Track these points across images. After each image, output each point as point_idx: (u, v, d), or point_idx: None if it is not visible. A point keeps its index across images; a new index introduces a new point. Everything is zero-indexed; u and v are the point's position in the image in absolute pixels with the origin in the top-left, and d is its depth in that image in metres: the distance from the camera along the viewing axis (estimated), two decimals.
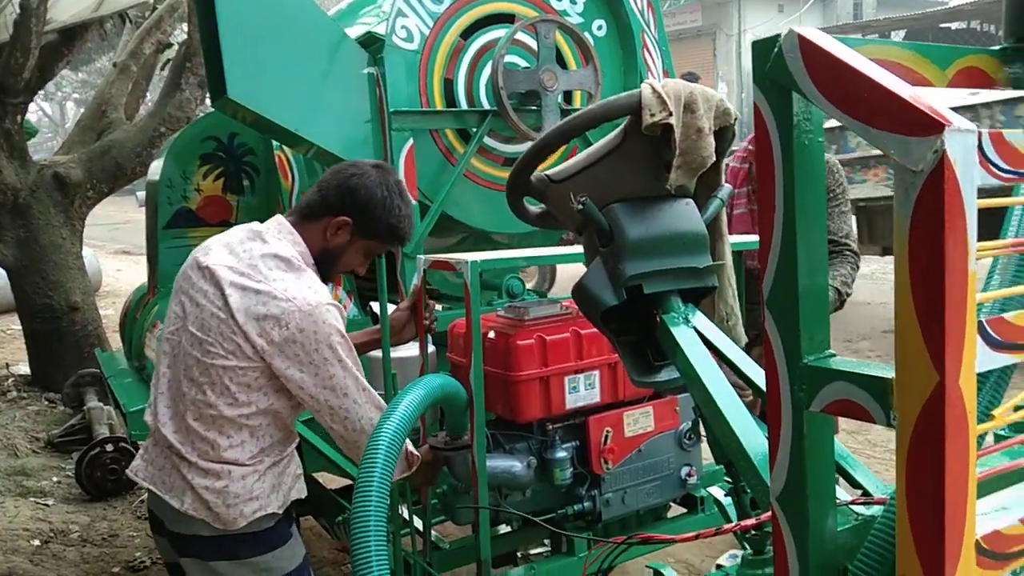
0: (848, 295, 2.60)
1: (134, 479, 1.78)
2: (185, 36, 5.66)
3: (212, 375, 1.61)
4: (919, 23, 17.10)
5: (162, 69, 6.18)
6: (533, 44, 2.65)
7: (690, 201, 1.39)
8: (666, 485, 2.26)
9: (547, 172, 1.41)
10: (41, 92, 5.11)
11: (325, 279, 1.77)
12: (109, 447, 4.07)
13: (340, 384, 1.63)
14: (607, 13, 2.85)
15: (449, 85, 2.62)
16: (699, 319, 1.33)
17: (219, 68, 2.28)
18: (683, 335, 1.28)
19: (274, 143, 2.89)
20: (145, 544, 3.59)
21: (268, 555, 1.70)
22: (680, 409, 2.27)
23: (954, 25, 17.12)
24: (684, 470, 2.29)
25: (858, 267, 2.63)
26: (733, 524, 1.08)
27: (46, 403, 5.47)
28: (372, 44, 2.50)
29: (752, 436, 1.14)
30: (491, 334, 2.10)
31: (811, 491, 0.98)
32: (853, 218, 2.73)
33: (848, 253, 2.62)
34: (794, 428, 0.97)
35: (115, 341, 6.76)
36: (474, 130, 2.64)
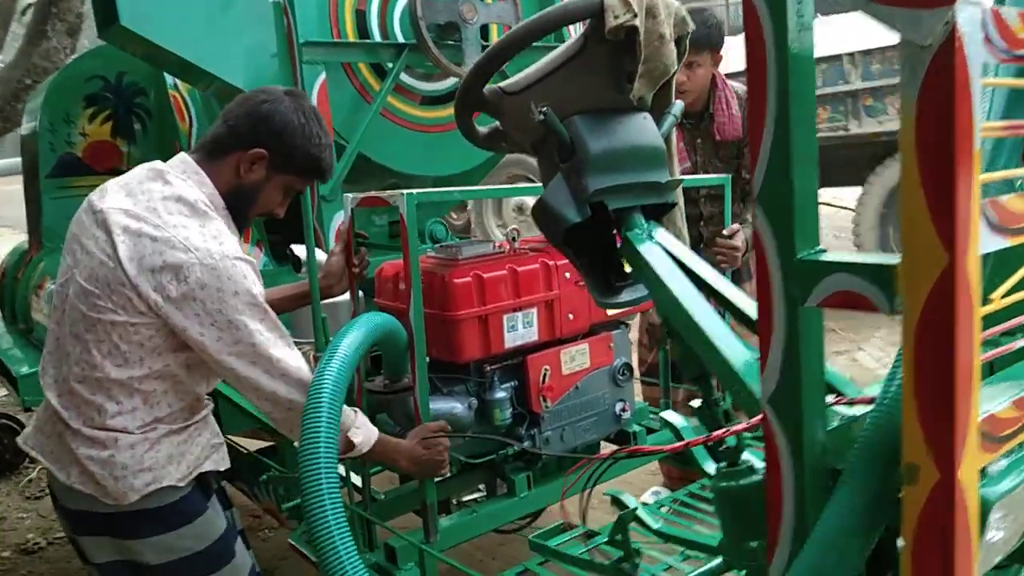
0: None
1: (23, 448, 1.60)
2: None
3: (99, 331, 1.44)
4: None
5: (23, 14, 5.62)
6: None
7: (648, 115, 1.34)
8: (602, 421, 2.26)
9: (500, 84, 1.33)
10: None
11: (242, 224, 1.60)
12: None
13: (248, 350, 1.46)
14: None
15: (362, 16, 2.48)
16: (662, 235, 1.29)
17: None
18: (649, 251, 1.24)
19: (168, 82, 2.66)
20: (37, 525, 3.33)
21: (170, 534, 1.52)
22: (614, 346, 2.25)
23: None
24: (618, 406, 2.29)
25: None
26: (721, 431, 1.06)
27: None
28: None
29: (729, 343, 1.11)
30: (425, 274, 2.01)
31: (805, 391, 0.96)
32: None
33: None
34: (788, 326, 0.94)
35: None
36: (390, 65, 2.51)
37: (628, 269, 1.34)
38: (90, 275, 1.44)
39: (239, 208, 1.57)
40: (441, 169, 2.76)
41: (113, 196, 1.51)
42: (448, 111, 2.71)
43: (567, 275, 2.11)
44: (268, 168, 1.58)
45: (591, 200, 1.24)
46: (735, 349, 1.10)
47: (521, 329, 2.04)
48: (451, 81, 2.67)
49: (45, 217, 2.61)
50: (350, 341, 1.55)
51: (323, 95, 2.36)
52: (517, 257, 2.08)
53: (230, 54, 2.26)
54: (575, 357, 2.17)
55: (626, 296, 1.34)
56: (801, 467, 0.98)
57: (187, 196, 1.49)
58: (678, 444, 1.10)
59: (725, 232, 2.43)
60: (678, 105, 1.43)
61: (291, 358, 1.51)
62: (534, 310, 2.06)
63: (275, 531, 3.21)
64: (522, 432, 2.10)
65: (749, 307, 1.18)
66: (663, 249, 1.26)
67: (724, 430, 1.04)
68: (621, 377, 2.27)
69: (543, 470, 2.19)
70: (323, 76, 2.35)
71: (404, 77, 2.56)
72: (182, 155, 1.59)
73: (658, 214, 1.35)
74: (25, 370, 2.19)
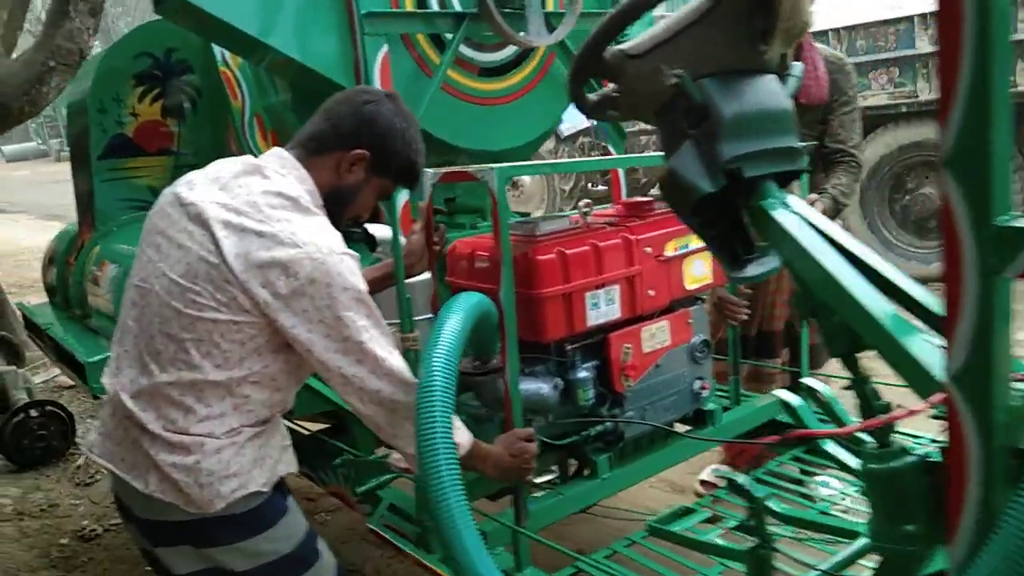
0: (845, 206, 2.56)
1: (91, 457, 1.51)
2: None
3: (199, 330, 1.36)
4: None
5: None
6: None
7: (775, 76, 1.27)
8: (681, 400, 2.20)
9: (621, 47, 1.25)
10: None
11: (334, 224, 1.52)
12: (34, 412, 3.71)
13: (355, 348, 1.40)
14: None
15: None
16: (798, 203, 1.22)
17: None
18: (788, 221, 1.17)
19: (218, 57, 2.58)
20: (91, 512, 3.31)
21: (257, 537, 1.46)
22: (693, 322, 2.19)
23: None
24: (697, 383, 2.23)
25: (859, 179, 2.59)
26: (904, 412, 0.99)
27: None
28: None
29: (891, 318, 1.04)
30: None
31: (995, 368, 0.90)
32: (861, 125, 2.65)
33: (851, 162, 2.56)
34: (981, 298, 0.88)
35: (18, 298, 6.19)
36: (449, 36, 2.43)
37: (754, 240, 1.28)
38: (186, 271, 1.37)
39: (335, 209, 1.51)
40: (497, 143, 2.68)
41: (205, 189, 1.44)
42: (506, 83, 2.63)
43: (648, 250, 2.04)
44: (367, 170, 1.53)
45: (727, 167, 1.17)
46: (901, 325, 1.03)
47: (603, 307, 1.98)
48: (509, 51, 2.59)
49: (97, 200, 2.55)
50: (452, 329, 1.50)
51: (385, 69, 2.28)
52: (597, 232, 2.01)
53: (286, 26, 2.18)
54: (656, 334, 2.11)
55: (753, 270, 1.28)
56: (990, 449, 0.92)
57: (288, 191, 1.43)
58: (852, 427, 1.03)
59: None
60: (798, 66, 1.35)
61: (395, 357, 1.45)
62: (616, 287, 1.99)
63: (332, 514, 3.18)
64: (604, 412, 2.05)
65: (900, 280, 1.12)
66: (802, 219, 1.19)
67: (906, 411, 0.97)
68: (699, 354, 2.21)
69: (623, 451, 2.13)
70: (385, 49, 2.27)
71: (462, 48, 2.47)
72: (278, 150, 1.52)
73: (786, 181, 1.27)
74: (95, 357, 2.13)
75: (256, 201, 1.39)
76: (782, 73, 1.31)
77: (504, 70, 2.61)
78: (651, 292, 2.07)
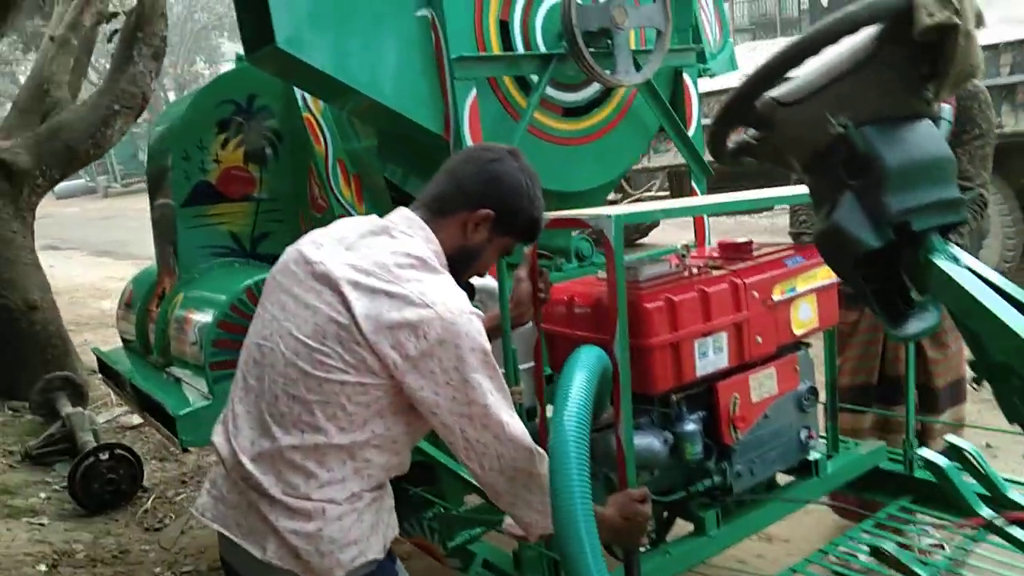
0: (963, 247, 2.42)
1: (202, 520, 1.47)
2: (134, 3, 5.17)
3: (325, 392, 1.32)
4: None
5: (109, 41, 5.66)
6: None
7: (931, 122, 1.20)
8: (788, 451, 2.10)
9: (772, 94, 1.19)
10: None
11: (457, 283, 1.49)
12: (104, 455, 3.71)
13: (480, 412, 1.35)
14: None
15: (505, 27, 2.36)
16: (968, 257, 1.14)
17: (258, 14, 1.98)
18: (959, 275, 1.09)
19: (300, 103, 2.57)
20: (162, 558, 3.27)
21: None
22: (800, 368, 2.10)
23: None
24: (803, 433, 2.13)
25: (983, 218, 2.42)
26: None
27: (10, 413, 5.01)
28: None
29: None
30: (601, 300, 1.88)
31: None
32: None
33: (977, 201, 2.34)
34: None
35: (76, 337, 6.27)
36: (534, 77, 2.39)
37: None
38: (315, 331, 1.34)
39: (459, 269, 1.48)
40: (579, 183, 2.63)
41: (331, 249, 1.41)
42: (587, 122, 2.58)
43: (755, 294, 1.96)
44: (491, 229, 1.50)
45: (895, 220, 1.09)
46: None
47: (712, 355, 1.90)
48: (591, 90, 2.55)
49: (180, 247, 2.54)
50: (581, 390, 1.43)
51: (475, 113, 2.25)
52: (703, 277, 1.94)
53: (376, 71, 2.16)
54: (763, 382, 2.02)
55: (915, 326, 1.19)
56: None
57: (416, 251, 1.39)
58: None
59: None
60: (946, 108, 1.29)
61: (516, 422, 1.40)
62: (724, 334, 1.92)
63: (406, 561, 3.09)
64: (711, 466, 1.96)
65: None
66: (974, 273, 1.11)
67: None
68: (806, 402, 2.12)
69: (728, 505, 2.04)
70: (474, 93, 2.24)
71: (546, 89, 2.43)
72: (403, 210, 1.50)
73: (947, 232, 1.20)
74: (185, 410, 2.10)
75: (385, 262, 1.36)
76: (935, 116, 1.24)
77: (586, 109, 2.56)
78: (759, 338, 1.98)
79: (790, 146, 1.21)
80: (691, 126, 2.71)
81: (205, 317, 2.25)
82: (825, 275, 2.13)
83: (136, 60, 5.23)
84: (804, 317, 2.10)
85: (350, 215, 2.55)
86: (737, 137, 1.32)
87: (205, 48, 27.98)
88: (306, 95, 2.59)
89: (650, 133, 2.75)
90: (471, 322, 1.33)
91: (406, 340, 1.30)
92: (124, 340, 3.11)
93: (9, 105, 7.48)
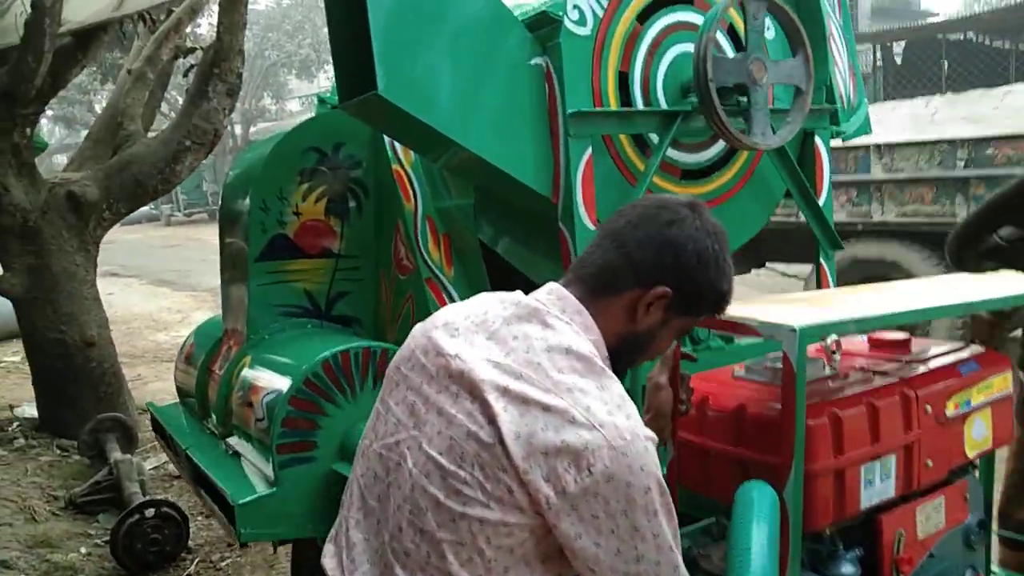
0: None
1: None
2: (214, 39, 5.09)
3: (460, 531, 1.05)
4: (918, 33, 16.85)
5: (185, 75, 5.60)
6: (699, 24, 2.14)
7: None
8: None
9: None
10: None
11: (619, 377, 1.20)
12: (149, 512, 3.47)
13: (651, 570, 1.05)
14: None
15: (624, 80, 2.10)
16: None
17: (358, 58, 1.75)
18: None
19: (390, 155, 2.34)
20: None
21: None
22: (970, 497, 1.75)
23: (952, 36, 16.82)
24: (968, 573, 1.78)
25: None
26: None
27: (58, 452, 4.83)
28: (541, 27, 1.96)
29: None
30: (746, 408, 1.57)
31: None
32: None
33: None
34: None
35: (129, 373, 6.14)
36: (653, 136, 2.12)
37: None
38: (450, 448, 1.07)
39: (623, 360, 1.19)
40: None
41: (469, 338, 1.14)
42: (709, 186, 2.29)
43: (928, 409, 1.63)
44: (667, 309, 1.19)
45: None
46: None
47: (878, 483, 1.57)
48: (714, 151, 2.27)
49: (252, 306, 2.31)
50: (764, 548, 1.12)
51: (588, 174, 1.98)
52: (868, 386, 1.61)
53: (485, 125, 1.91)
54: (931, 515, 1.68)
55: None
56: None
57: (579, 348, 1.10)
58: None
59: None
60: None
61: (685, 571, 1.09)
62: (892, 457, 1.58)
63: None
64: None
65: None
66: None
67: None
68: (975, 537, 1.77)
69: None
70: (589, 152, 1.97)
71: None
72: (555, 287, 1.21)
73: None
74: (247, 499, 1.84)
75: (539, 361, 1.08)
76: None
77: (707, 172, 2.28)
78: (929, 462, 1.64)
79: None
80: (822, 193, 2.40)
81: (275, 390, 2.00)
82: (1001, 385, 1.79)
83: (211, 96, 5.12)
84: (978, 436, 1.76)
85: (438, 279, 2.30)
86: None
87: (273, 84, 28.58)
88: (396, 145, 2.36)
89: (775, 199, 2.45)
90: (647, 451, 1.04)
91: (564, 472, 1.01)
92: (181, 395, 2.88)
93: (84, 133, 7.53)
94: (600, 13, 2.02)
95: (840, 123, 2.45)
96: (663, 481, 1.06)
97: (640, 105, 2.11)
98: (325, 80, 32.01)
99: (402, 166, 2.32)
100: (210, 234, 14.90)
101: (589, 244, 1.24)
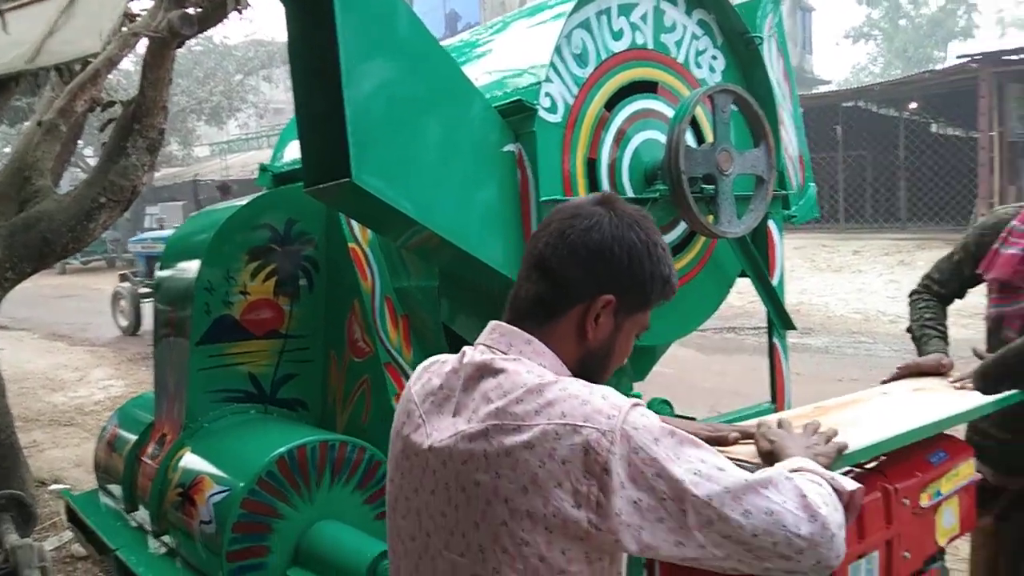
0: None
1: None
2: (135, 93, 4.89)
3: None
4: (816, 101, 17.98)
5: (101, 130, 5.34)
6: (669, 114, 2.18)
7: None
8: None
9: None
10: None
11: None
12: None
13: (723, 497, 0.98)
14: (742, 82, 2.42)
15: (592, 166, 2.10)
16: None
17: (329, 144, 1.69)
18: None
19: (346, 231, 2.26)
20: None
21: None
22: None
23: (846, 104, 18.03)
24: None
25: None
26: None
27: None
28: (514, 114, 1.94)
29: None
30: None
31: None
32: None
33: None
34: None
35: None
36: None
37: None
38: (465, 546, 1.04)
39: (591, 378, 1.12)
40: (657, 338, 2.33)
41: (436, 423, 1.10)
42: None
43: (905, 502, 1.64)
44: (616, 313, 1.15)
45: None
46: None
47: None
48: (675, 234, 2.29)
49: (191, 392, 2.15)
50: None
51: None
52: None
53: (455, 210, 1.87)
54: None
55: None
56: None
57: (531, 379, 1.06)
58: None
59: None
60: None
61: (736, 472, 1.03)
62: (876, 553, 1.58)
63: None
64: None
65: None
66: None
67: None
68: None
69: None
70: None
71: None
72: (498, 325, 1.17)
73: None
74: None
75: (499, 407, 1.04)
76: None
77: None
78: (906, 554, 1.65)
79: None
80: (775, 275, 2.46)
81: (224, 489, 1.85)
82: (966, 473, 1.83)
83: (130, 152, 4.89)
84: (947, 524, 1.79)
85: (397, 363, 2.21)
86: None
87: (181, 130, 27.83)
88: (353, 222, 2.28)
89: (729, 282, 2.49)
90: (637, 415, 1.02)
91: (581, 485, 0.97)
92: (101, 481, 2.66)
93: None
94: (571, 101, 2.02)
95: (791, 207, 2.52)
96: (669, 426, 1.03)
97: (606, 190, 2.10)
98: (235, 128, 31.44)
99: (359, 244, 2.24)
100: (109, 283, 14.18)
101: (518, 276, 1.19)
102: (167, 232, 12.49)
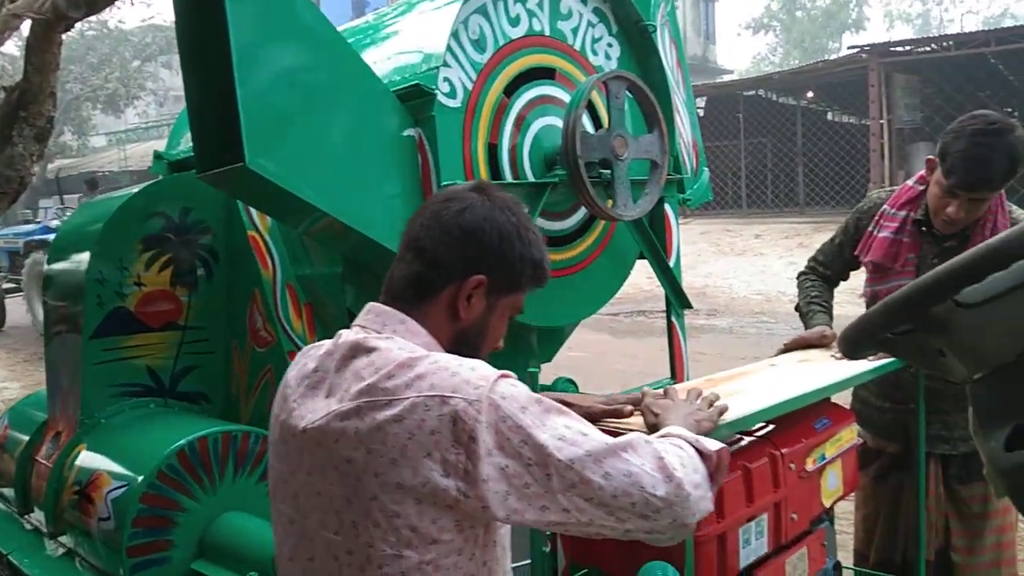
0: None
1: None
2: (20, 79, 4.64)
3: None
4: (718, 90, 18.55)
5: None
6: (566, 100, 2.23)
7: None
8: None
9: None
10: None
11: None
12: None
13: (586, 461, 1.02)
14: (637, 69, 2.49)
15: (493, 151, 2.13)
16: None
17: (222, 129, 1.66)
18: None
19: (245, 219, 2.22)
20: None
21: None
22: (827, 543, 1.89)
23: (747, 93, 18.67)
24: None
25: None
26: None
27: None
28: (413, 98, 1.95)
29: None
30: None
31: None
32: None
33: None
34: None
35: None
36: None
37: None
38: (341, 524, 1.07)
39: (467, 355, 1.14)
40: (562, 318, 2.39)
41: (310, 404, 1.11)
42: (570, 253, 2.36)
43: (792, 466, 1.74)
44: (488, 294, 1.18)
45: None
46: None
47: (753, 542, 1.65)
48: (575, 219, 2.34)
49: (86, 387, 2.08)
50: None
51: None
52: (741, 448, 1.70)
53: (356, 196, 1.86)
54: (797, 565, 1.79)
55: None
56: None
57: (402, 355, 1.08)
58: None
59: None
60: None
61: (585, 427, 1.08)
62: (765, 516, 1.68)
63: None
64: None
65: None
66: None
67: None
68: None
69: None
70: None
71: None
72: (374, 306, 1.20)
73: None
74: None
75: (371, 384, 1.05)
76: None
77: (571, 239, 2.35)
78: (794, 516, 1.76)
79: (962, 352, 1.00)
80: (671, 256, 2.54)
81: (122, 484, 1.80)
82: (849, 438, 1.95)
83: (16, 141, 4.66)
84: (832, 486, 1.90)
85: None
86: None
87: (75, 119, 26.43)
88: (252, 209, 2.24)
89: (629, 264, 2.56)
90: (506, 385, 1.05)
91: (450, 454, 1.00)
92: None
93: None
94: (469, 86, 2.04)
95: (685, 191, 2.61)
96: (537, 395, 1.07)
97: (508, 176, 2.14)
98: (134, 116, 30.05)
99: (258, 232, 2.21)
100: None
101: (395, 258, 1.23)
102: (28, 227, 11.93)
